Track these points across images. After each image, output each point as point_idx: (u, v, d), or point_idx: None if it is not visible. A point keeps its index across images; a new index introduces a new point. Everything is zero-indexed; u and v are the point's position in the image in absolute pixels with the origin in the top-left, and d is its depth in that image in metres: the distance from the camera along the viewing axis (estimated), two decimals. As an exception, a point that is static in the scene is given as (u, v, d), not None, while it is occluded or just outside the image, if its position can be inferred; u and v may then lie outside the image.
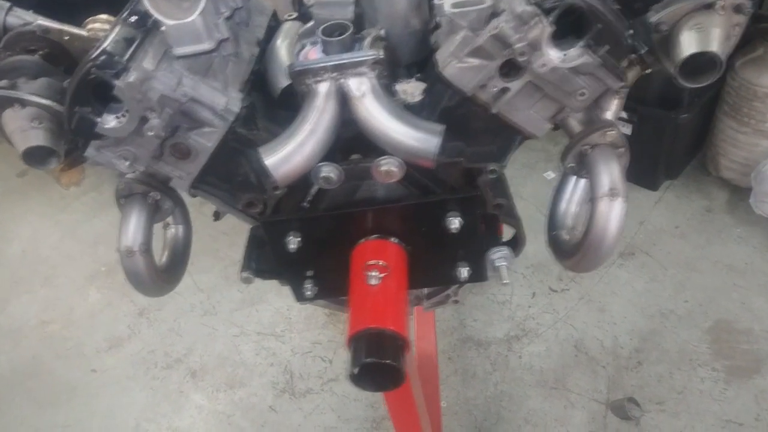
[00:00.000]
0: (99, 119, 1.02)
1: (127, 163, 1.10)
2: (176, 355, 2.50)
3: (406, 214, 1.07)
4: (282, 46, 1.22)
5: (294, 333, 2.49)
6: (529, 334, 2.30)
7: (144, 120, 1.02)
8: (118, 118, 1.02)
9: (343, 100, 0.98)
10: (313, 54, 1.10)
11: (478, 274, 1.14)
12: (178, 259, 1.29)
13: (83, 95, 1.00)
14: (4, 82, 1.21)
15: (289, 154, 0.98)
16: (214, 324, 2.60)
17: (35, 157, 1.19)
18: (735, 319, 2.26)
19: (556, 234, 1.18)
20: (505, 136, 1.06)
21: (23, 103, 1.20)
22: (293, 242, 1.09)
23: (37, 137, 1.17)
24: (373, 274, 1.00)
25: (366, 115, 0.97)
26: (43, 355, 2.60)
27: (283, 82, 1.11)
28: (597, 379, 2.13)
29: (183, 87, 1.03)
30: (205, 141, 1.09)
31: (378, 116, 0.96)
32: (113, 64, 0.98)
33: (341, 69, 0.97)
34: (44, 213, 3.39)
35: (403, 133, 0.96)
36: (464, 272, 1.13)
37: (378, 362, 0.88)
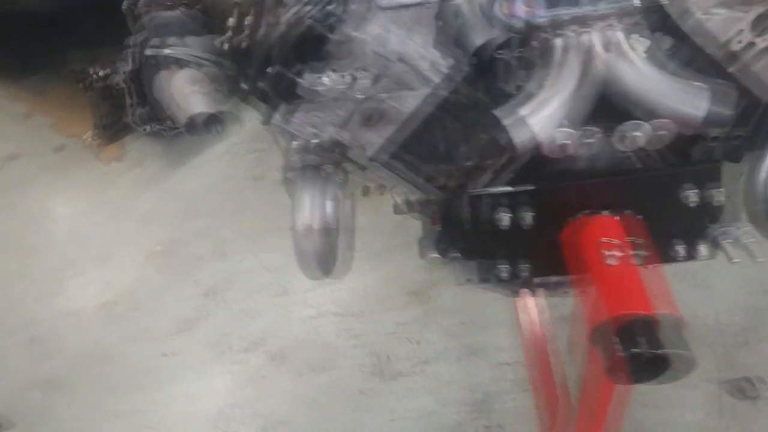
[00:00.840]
0: (301, 80, 0.90)
1: (315, 131, 0.98)
2: (252, 338, 2.39)
3: (639, 186, 0.96)
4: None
5: (375, 313, 2.39)
6: (627, 312, 2.22)
7: (353, 80, 0.90)
8: (328, 77, 0.90)
9: (587, 56, 0.86)
10: (516, 6, 0.97)
11: (692, 252, 1.04)
12: (349, 238, 1.18)
13: (286, 52, 0.88)
14: (155, 41, 1.09)
15: (543, 117, 0.86)
16: (287, 305, 2.49)
17: (197, 124, 1.07)
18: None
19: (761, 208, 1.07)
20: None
21: (181, 64, 1.07)
22: (504, 219, 0.98)
23: (202, 103, 1.05)
24: (637, 252, 0.89)
25: (619, 74, 0.85)
26: (109, 339, 2.49)
27: (477, 39, 0.98)
28: (706, 359, 2.05)
29: (391, 43, 0.90)
30: (402, 105, 0.98)
31: (635, 75, 0.84)
32: (326, 16, 0.86)
33: (591, 20, 0.85)
34: (88, 190, 3.25)
35: (666, 95, 0.84)
36: (681, 250, 1.03)
37: (671, 353, 0.78)
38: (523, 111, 0.85)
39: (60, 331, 2.56)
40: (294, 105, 0.94)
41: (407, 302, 2.40)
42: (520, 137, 0.84)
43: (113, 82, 3.12)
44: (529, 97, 0.87)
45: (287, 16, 0.85)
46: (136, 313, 2.57)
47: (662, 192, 0.95)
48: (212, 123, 1.05)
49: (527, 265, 1.05)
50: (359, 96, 0.93)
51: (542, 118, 0.84)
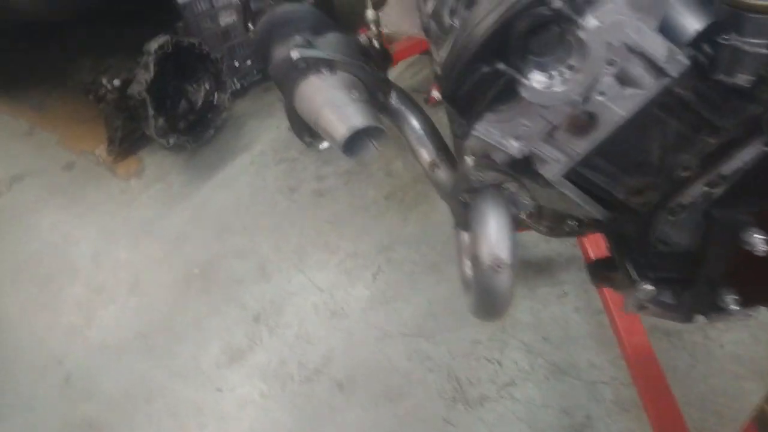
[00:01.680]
0: (526, 80, 0.71)
1: (517, 143, 0.79)
2: (313, 366, 2.19)
3: None
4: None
5: (446, 332, 2.20)
6: (723, 319, 2.06)
7: (593, 78, 0.72)
8: (556, 76, 0.71)
9: None
10: None
11: None
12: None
13: (512, 45, 0.69)
14: (298, 39, 0.89)
15: None
16: (347, 327, 2.29)
17: (353, 142, 0.88)
18: None
19: None
20: None
21: (333, 68, 0.88)
22: (759, 242, 0.80)
23: (362, 115, 0.86)
24: None
25: None
26: (154, 374, 2.27)
27: (693, 24, 0.80)
28: (819, 366, 1.91)
29: (628, 31, 0.72)
30: (620, 108, 0.79)
31: None
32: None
33: None
34: (107, 210, 3.01)
35: None
36: None
37: None
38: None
39: (96, 368, 2.33)
40: (498, 113, 0.75)
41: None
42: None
43: (132, 92, 2.89)
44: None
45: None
46: (180, 344, 2.35)
47: None
48: (371, 136, 0.86)
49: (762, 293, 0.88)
50: (578, 98, 0.74)
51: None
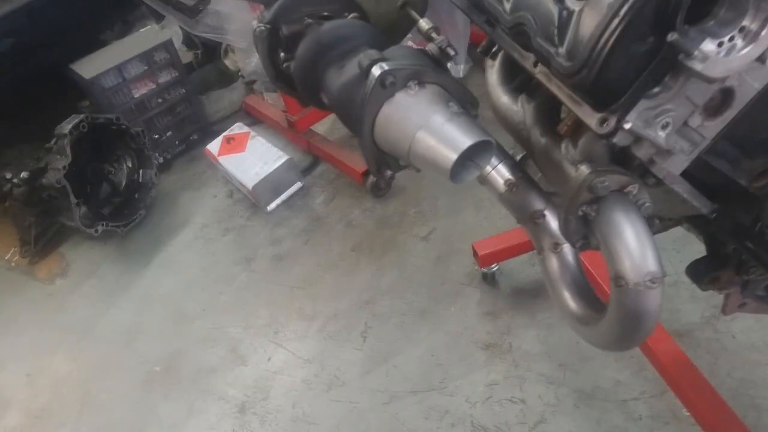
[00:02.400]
0: (696, 51, 0.60)
1: (664, 132, 0.69)
2: (322, 449, 1.94)
3: None
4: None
5: (457, 380, 2.04)
6: (726, 309, 2.05)
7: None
8: (726, 42, 0.61)
9: None
10: None
11: None
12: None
13: (670, 13, 0.58)
14: (373, 53, 0.73)
15: None
16: (348, 397, 2.07)
17: (459, 165, 0.72)
18: None
19: None
20: None
21: (422, 80, 0.73)
22: None
23: (470, 131, 0.71)
24: None
25: None
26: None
27: None
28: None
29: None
30: (754, 80, 0.71)
31: None
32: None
33: None
34: (34, 320, 2.60)
35: None
36: None
37: None
38: None
39: None
40: (653, 98, 0.64)
41: (488, 358, 2.08)
42: None
43: (48, 182, 2.56)
44: None
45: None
46: (157, 457, 2.01)
47: None
48: (472, 157, 0.71)
49: None
50: (720, 75, 0.65)
51: None
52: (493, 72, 0.99)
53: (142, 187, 2.97)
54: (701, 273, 0.94)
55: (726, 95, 0.70)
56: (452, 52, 0.75)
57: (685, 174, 0.80)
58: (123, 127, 2.82)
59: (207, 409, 2.12)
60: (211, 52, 3.66)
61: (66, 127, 2.58)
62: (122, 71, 2.97)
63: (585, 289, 0.89)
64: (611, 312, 0.77)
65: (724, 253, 0.92)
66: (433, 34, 0.79)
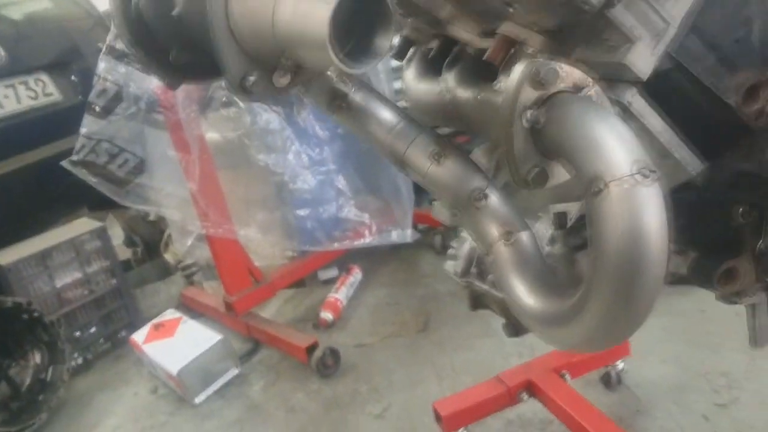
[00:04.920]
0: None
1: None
2: None
3: None
4: None
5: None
6: None
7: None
8: None
9: None
10: None
11: None
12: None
13: None
14: None
15: None
16: None
17: (344, 40, 0.51)
18: None
19: None
20: None
21: None
22: None
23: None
24: None
25: None
26: None
27: None
28: None
29: None
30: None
31: None
32: None
33: None
34: None
35: None
36: None
37: None
38: None
39: None
40: None
41: None
42: None
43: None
44: None
45: None
46: None
47: None
48: (369, 34, 0.51)
49: None
50: None
51: None
52: (410, 71, 0.85)
53: (49, 386, 2.53)
54: (710, 268, 0.69)
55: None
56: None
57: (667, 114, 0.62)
58: (35, 315, 2.50)
59: None
60: (151, 249, 3.52)
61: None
62: (45, 259, 2.74)
63: (550, 278, 0.62)
64: (592, 263, 0.50)
65: (731, 234, 0.68)
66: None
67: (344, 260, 3.11)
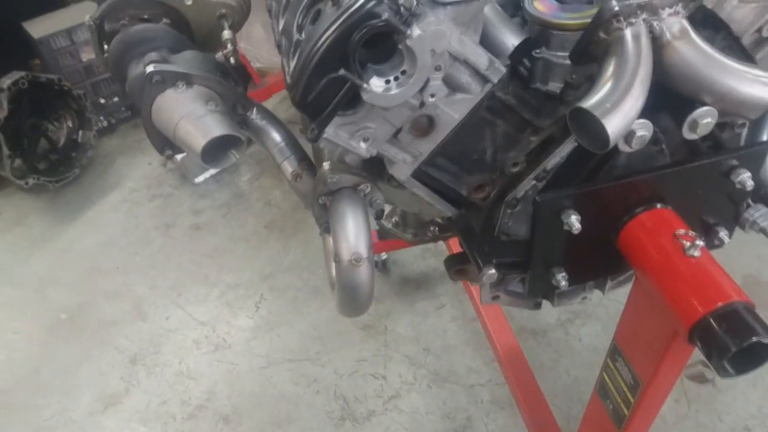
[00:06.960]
0: (367, 86, 0.79)
1: (365, 144, 0.88)
2: (197, 402, 2.12)
3: (691, 175, 0.96)
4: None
5: (331, 353, 2.23)
6: (580, 315, 2.28)
7: (425, 83, 0.82)
8: (392, 81, 0.80)
9: (657, 44, 0.85)
10: (545, 4, 0.96)
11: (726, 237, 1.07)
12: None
13: (348, 54, 0.77)
14: (153, 55, 0.92)
15: (624, 111, 0.81)
16: (231, 359, 2.25)
17: (213, 152, 0.91)
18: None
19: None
20: None
21: (190, 81, 0.91)
22: (575, 222, 0.93)
23: (220, 124, 0.90)
24: (695, 244, 0.87)
25: (686, 59, 0.84)
26: (17, 432, 2.08)
27: (511, 40, 0.93)
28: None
29: (452, 42, 0.84)
30: (454, 111, 0.91)
31: (704, 61, 0.84)
32: (399, 13, 0.77)
33: (654, 8, 0.84)
34: (-43, 259, 2.75)
35: (736, 80, 0.84)
36: (725, 237, 1.05)
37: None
38: (608, 104, 0.80)
39: (-53, 434, 2.10)
40: (344, 117, 0.83)
41: (363, 337, 2.28)
42: (612, 130, 0.79)
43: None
44: (601, 91, 0.83)
45: (349, 11, 0.74)
46: (45, 397, 2.18)
47: (712, 179, 0.96)
48: (230, 146, 0.89)
49: (581, 271, 1.01)
50: (431, 100, 0.84)
51: (625, 110, 0.80)
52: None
53: (80, 147, 3.11)
54: (450, 265, 1.14)
55: (431, 120, 0.90)
56: (233, 61, 0.93)
57: (428, 183, 1.00)
58: (65, 88, 2.96)
59: (100, 357, 2.29)
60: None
61: (5, 82, 2.71)
62: (71, 34, 3.10)
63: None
64: (336, 283, 0.96)
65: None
66: (228, 45, 0.96)
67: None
